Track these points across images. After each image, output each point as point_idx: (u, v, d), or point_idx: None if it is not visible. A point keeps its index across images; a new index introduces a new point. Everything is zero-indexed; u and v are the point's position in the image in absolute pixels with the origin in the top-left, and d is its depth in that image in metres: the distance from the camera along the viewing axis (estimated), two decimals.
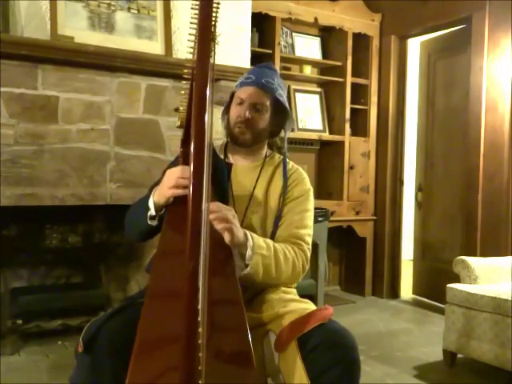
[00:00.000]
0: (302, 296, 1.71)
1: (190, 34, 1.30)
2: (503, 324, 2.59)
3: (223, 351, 1.21)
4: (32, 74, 2.85)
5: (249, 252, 1.48)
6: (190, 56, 1.39)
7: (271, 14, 4.04)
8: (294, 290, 1.74)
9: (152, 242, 1.70)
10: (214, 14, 1.18)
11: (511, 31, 3.61)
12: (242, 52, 3.53)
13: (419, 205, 4.50)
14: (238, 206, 1.66)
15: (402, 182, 4.60)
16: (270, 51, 4.04)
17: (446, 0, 4.01)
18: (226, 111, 1.77)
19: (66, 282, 3.37)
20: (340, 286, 4.83)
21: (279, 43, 4.11)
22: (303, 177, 1.76)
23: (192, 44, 1.35)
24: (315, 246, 3.66)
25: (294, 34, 4.38)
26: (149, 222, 1.57)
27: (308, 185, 1.76)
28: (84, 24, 3.00)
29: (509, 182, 3.65)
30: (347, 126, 4.44)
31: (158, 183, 1.62)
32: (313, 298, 3.61)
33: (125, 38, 3.11)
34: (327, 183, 4.57)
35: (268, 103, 1.69)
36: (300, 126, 4.36)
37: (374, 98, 4.57)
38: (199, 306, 0.98)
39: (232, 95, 1.75)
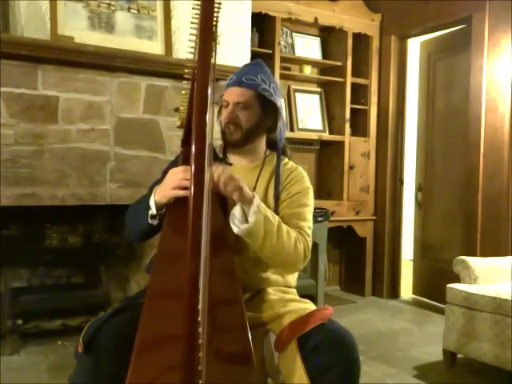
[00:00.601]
0: (302, 296, 1.71)
1: (190, 34, 1.30)
2: (503, 324, 2.59)
3: (223, 351, 1.21)
4: (32, 73, 2.85)
5: (253, 208, 1.49)
6: (190, 56, 1.39)
7: (271, 13, 4.04)
8: (294, 290, 1.74)
9: (152, 241, 1.70)
10: (215, 14, 1.17)
11: (511, 31, 3.61)
12: (242, 52, 3.53)
13: (419, 205, 4.50)
14: None
15: (402, 182, 4.60)
16: (270, 51, 4.04)
17: (446, 0, 4.01)
18: (219, 114, 1.77)
19: (66, 282, 3.37)
20: (340, 286, 4.82)
21: (279, 43, 4.11)
22: (302, 175, 1.76)
23: (193, 44, 1.35)
24: (315, 245, 3.66)
25: (293, 33, 4.38)
26: (149, 221, 1.57)
27: (307, 183, 1.75)
28: (84, 24, 3.00)
29: (509, 181, 3.65)
30: (347, 125, 4.44)
31: (157, 183, 1.62)
32: (313, 298, 3.60)
33: (125, 38, 3.11)
34: (327, 183, 4.57)
35: (252, 100, 1.68)
36: (300, 126, 4.36)
37: (374, 98, 4.57)
38: (199, 306, 0.98)
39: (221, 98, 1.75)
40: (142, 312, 1.21)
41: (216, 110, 1.77)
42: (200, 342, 1.02)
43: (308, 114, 4.44)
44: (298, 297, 1.70)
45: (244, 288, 1.51)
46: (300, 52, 4.38)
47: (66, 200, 2.97)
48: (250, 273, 1.63)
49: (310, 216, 1.70)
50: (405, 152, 4.60)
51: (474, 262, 2.95)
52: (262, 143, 1.79)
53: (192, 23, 1.20)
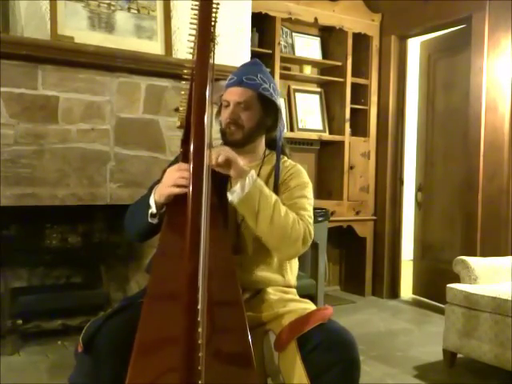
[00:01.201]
0: (301, 296, 1.71)
1: (189, 35, 1.31)
2: (503, 324, 2.59)
3: (223, 351, 1.21)
4: (32, 73, 2.85)
5: (249, 180, 1.52)
6: (189, 56, 1.40)
7: (271, 13, 4.04)
8: (294, 290, 1.74)
9: (152, 242, 1.70)
10: (213, 15, 1.18)
11: (511, 31, 3.61)
12: (242, 52, 3.53)
13: (419, 205, 4.50)
14: None
15: (402, 182, 4.60)
16: (269, 51, 4.04)
17: (445, 0, 4.00)
18: (219, 114, 1.77)
19: (66, 282, 3.37)
20: (340, 286, 4.82)
21: (279, 43, 4.11)
22: (301, 171, 1.77)
23: (192, 44, 1.35)
24: (315, 245, 3.66)
25: (293, 33, 4.37)
26: (149, 220, 1.57)
27: (306, 178, 1.75)
28: (84, 24, 3.01)
29: (509, 181, 3.64)
30: (347, 125, 4.44)
31: (157, 183, 1.62)
32: (313, 298, 3.60)
33: (125, 38, 3.11)
34: (327, 183, 4.57)
35: (253, 100, 1.68)
36: (300, 126, 4.36)
37: (373, 98, 4.57)
38: (199, 306, 0.98)
39: (221, 98, 1.75)
40: (142, 312, 1.21)
41: (215, 110, 1.77)
42: (199, 342, 1.02)
43: (308, 114, 4.44)
44: (297, 297, 1.70)
45: (244, 288, 1.51)
46: (300, 52, 4.38)
47: (65, 200, 2.97)
48: (249, 272, 1.63)
49: (309, 208, 1.69)
50: (405, 152, 4.60)
51: (474, 261, 2.95)
52: (262, 143, 1.79)
53: (191, 23, 1.20)
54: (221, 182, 1.67)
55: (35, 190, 2.88)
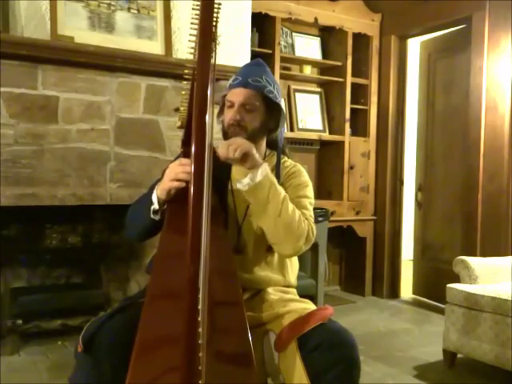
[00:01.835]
0: (302, 296, 1.71)
1: (190, 35, 1.30)
2: (503, 324, 2.59)
3: (223, 351, 1.21)
4: (32, 73, 2.85)
5: (262, 171, 1.51)
6: (190, 56, 1.40)
7: (271, 13, 4.04)
8: (294, 290, 1.74)
9: (152, 242, 1.70)
10: (214, 15, 1.18)
11: (511, 31, 3.61)
12: (242, 52, 3.53)
13: (419, 205, 4.50)
14: (239, 204, 1.66)
15: (402, 182, 4.60)
16: (270, 51, 4.04)
17: (445, 0, 4.00)
18: (221, 114, 1.76)
19: (66, 282, 3.37)
20: (340, 286, 4.82)
21: (279, 43, 4.11)
22: (301, 171, 1.76)
23: (193, 44, 1.35)
24: (315, 245, 3.66)
25: (293, 34, 4.37)
26: (152, 216, 1.57)
27: (306, 178, 1.76)
28: (84, 24, 3.00)
29: (509, 181, 3.64)
30: (347, 125, 4.44)
31: (158, 182, 1.62)
32: (313, 298, 3.60)
33: (125, 38, 3.11)
34: (327, 183, 4.57)
35: (258, 102, 1.68)
36: (300, 126, 4.36)
37: (374, 98, 4.57)
38: (199, 306, 0.98)
39: (224, 98, 1.74)
40: (142, 312, 1.21)
41: (216, 110, 1.77)
42: (200, 342, 1.02)
43: (308, 114, 4.44)
44: (297, 297, 1.70)
45: (244, 288, 1.51)
46: (300, 52, 4.38)
47: (65, 200, 2.97)
48: (250, 272, 1.63)
49: (310, 207, 1.69)
50: (405, 152, 4.60)
51: (474, 261, 2.95)
52: (263, 143, 1.79)
53: (192, 23, 1.20)
54: (221, 183, 1.67)
55: (35, 190, 2.88)
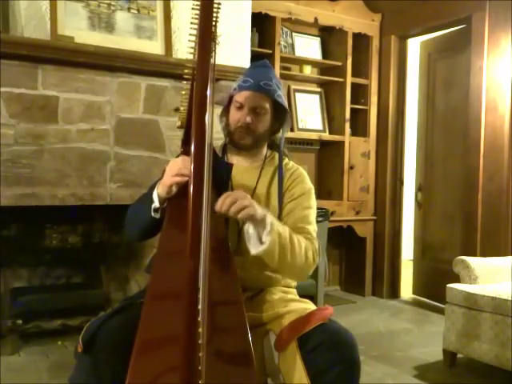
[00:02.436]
0: (302, 296, 1.71)
1: (190, 35, 1.30)
2: (503, 324, 2.59)
3: (223, 351, 1.21)
4: (32, 73, 2.85)
5: (268, 227, 1.46)
6: (190, 56, 1.40)
7: (271, 13, 4.04)
8: (294, 290, 1.74)
9: (152, 241, 1.70)
10: (214, 14, 1.17)
11: (511, 31, 3.61)
12: (241, 52, 3.53)
13: (419, 205, 4.50)
14: None
15: (402, 182, 4.60)
16: (270, 51, 4.04)
17: (446, 0, 4.00)
18: (225, 113, 1.76)
19: (66, 282, 3.37)
20: (340, 286, 4.82)
21: (279, 43, 4.11)
22: (304, 176, 1.76)
23: (193, 44, 1.35)
24: None
25: (293, 33, 4.37)
26: (152, 214, 1.57)
27: (309, 183, 1.76)
28: (84, 24, 3.00)
29: (509, 181, 3.64)
30: (347, 126, 4.44)
31: (157, 182, 1.62)
32: (313, 298, 3.60)
33: (125, 38, 3.11)
34: (327, 183, 4.57)
35: (268, 106, 1.68)
36: (300, 126, 4.36)
37: (374, 98, 4.57)
38: (199, 306, 0.98)
39: (230, 97, 1.73)
40: (142, 312, 1.21)
41: (217, 110, 1.77)
42: (200, 341, 1.02)
43: (308, 114, 4.44)
44: (298, 297, 1.70)
45: (244, 288, 1.51)
46: (300, 52, 4.38)
47: (66, 200, 2.97)
48: (250, 272, 1.63)
49: (313, 218, 1.70)
50: (405, 152, 4.60)
51: (474, 261, 2.95)
52: (265, 145, 1.79)
53: (192, 23, 1.20)
54: (222, 182, 1.67)
55: (35, 190, 2.88)
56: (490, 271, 2.94)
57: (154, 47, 3.19)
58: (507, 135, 3.66)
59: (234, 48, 3.46)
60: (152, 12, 3.22)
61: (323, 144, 4.53)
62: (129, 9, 3.15)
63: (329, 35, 4.53)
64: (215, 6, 1.12)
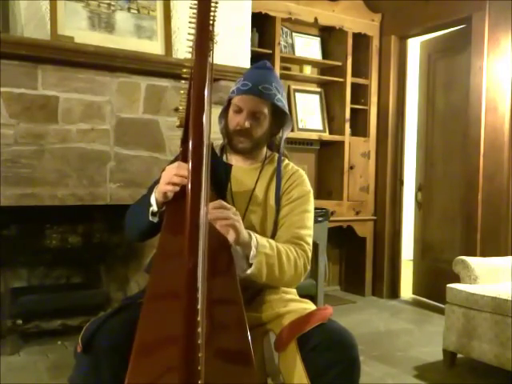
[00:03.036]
0: (302, 296, 1.71)
1: (189, 34, 1.30)
2: (503, 324, 2.59)
3: (223, 351, 1.21)
4: (32, 73, 2.85)
5: (253, 251, 1.45)
6: (189, 55, 1.39)
7: (271, 13, 4.04)
8: (294, 290, 1.74)
9: (152, 242, 1.70)
10: (212, 14, 1.17)
11: (511, 31, 3.61)
12: (241, 52, 3.53)
13: (419, 205, 4.50)
14: (238, 205, 1.65)
15: (401, 182, 4.60)
16: (270, 51, 4.04)
17: (446, 0, 4.00)
18: (224, 115, 1.75)
19: (66, 282, 3.37)
20: (340, 286, 4.82)
21: (279, 43, 4.11)
22: (303, 178, 1.75)
23: (191, 43, 1.35)
24: (315, 245, 3.66)
25: (293, 33, 4.37)
26: (150, 218, 1.57)
27: (308, 186, 1.74)
28: (84, 24, 3.00)
29: (509, 181, 3.64)
30: (347, 126, 4.44)
31: (157, 183, 1.62)
32: (313, 298, 3.61)
33: (125, 38, 3.11)
34: (327, 183, 4.57)
35: (266, 110, 1.66)
36: (300, 126, 4.36)
37: (374, 98, 4.57)
38: (198, 306, 0.98)
39: (229, 99, 1.72)
40: (142, 312, 1.21)
41: (216, 109, 1.76)
42: (199, 341, 1.02)
43: (308, 114, 4.44)
44: (297, 297, 1.70)
45: (244, 288, 1.51)
46: (300, 52, 4.38)
47: (66, 200, 2.97)
48: None
49: (310, 223, 1.69)
50: (405, 152, 4.60)
51: (474, 261, 2.94)
52: (265, 147, 1.78)
53: (190, 22, 1.20)
54: (221, 183, 1.67)
55: (35, 190, 2.88)
56: (490, 271, 2.94)
57: (154, 47, 3.19)
58: (507, 135, 3.66)
59: (233, 48, 3.46)
60: (152, 12, 3.22)
61: (323, 144, 4.53)
62: (129, 9, 3.15)
63: (329, 35, 4.53)
64: (212, 4, 1.12)
